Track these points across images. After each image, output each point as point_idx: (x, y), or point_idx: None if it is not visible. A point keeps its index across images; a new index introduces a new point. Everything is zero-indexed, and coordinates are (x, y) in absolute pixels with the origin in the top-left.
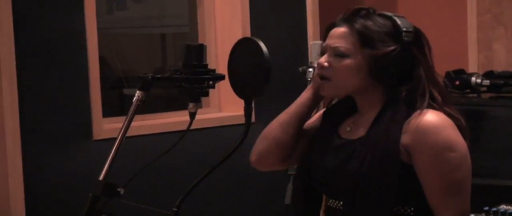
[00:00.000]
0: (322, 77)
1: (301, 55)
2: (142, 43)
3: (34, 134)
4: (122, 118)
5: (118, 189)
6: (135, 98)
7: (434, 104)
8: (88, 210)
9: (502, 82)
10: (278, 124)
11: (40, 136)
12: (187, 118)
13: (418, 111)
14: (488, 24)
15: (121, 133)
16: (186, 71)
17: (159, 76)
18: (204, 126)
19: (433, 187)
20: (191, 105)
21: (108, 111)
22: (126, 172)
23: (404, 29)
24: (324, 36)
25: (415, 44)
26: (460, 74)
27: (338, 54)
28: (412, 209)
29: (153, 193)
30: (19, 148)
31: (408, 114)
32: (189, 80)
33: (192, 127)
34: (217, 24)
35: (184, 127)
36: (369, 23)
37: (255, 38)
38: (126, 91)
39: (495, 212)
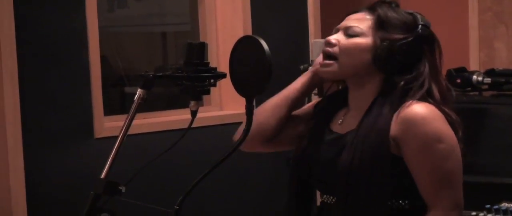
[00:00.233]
0: (327, 55)
1: (303, 54)
2: (143, 42)
3: (36, 132)
4: (123, 117)
5: (120, 187)
6: (136, 96)
7: (430, 100)
8: (90, 208)
9: (503, 80)
10: (267, 107)
11: (42, 134)
12: (188, 116)
13: (407, 103)
14: (489, 22)
15: (122, 132)
16: (187, 69)
17: (161, 74)
18: (205, 124)
19: (423, 179)
20: (192, 103)
21: (109, 110)
22: (127, 170)
23: (422, 23)
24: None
25: (426, 41)
26: (462, 72)
27: (350, 34)
28: (406, 202)
29: (155, 191)
30: (20, 146)
31: (398, 106)
32: (191, 78)
33: (193, 125)
34: (218, 23)
35: (185, 126)
36: (390, 11)
37: (256, 36)
38: (127, 89)
39: (497, 210)
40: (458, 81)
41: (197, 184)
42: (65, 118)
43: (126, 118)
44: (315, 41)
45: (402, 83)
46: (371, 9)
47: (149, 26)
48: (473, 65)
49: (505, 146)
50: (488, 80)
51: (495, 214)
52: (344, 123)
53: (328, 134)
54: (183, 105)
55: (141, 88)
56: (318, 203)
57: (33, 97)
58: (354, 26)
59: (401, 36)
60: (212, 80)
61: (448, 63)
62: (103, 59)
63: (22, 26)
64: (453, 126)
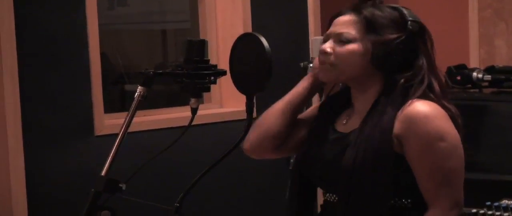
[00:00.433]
0: (324, 63)
1: (303, 51)
2: (143, 39)
3: (36, 130)
4: (123, 114)
5: (120, 185)
6: (136, 93)
7: (431, 95)
8: (90, 206)
9: (503, 77)
10: (272, 113)
11: (42, 132)
12: (188, 113)
13: (410, 101)
14: (489, 19)
15: (122, 129)
16: (187, 66)
17: (161, 71)
18: (205, 122)
19: (424, 177)
20: (192, 100)
21: (109, 107)
22: (128, 168)
23: (410, 19)
24: (328, 25)
25: (419, 35)
26: (462, 69)
27: (342, 40)
28: (409, 201)
29: (155, 189)
30: (20, 144)
31: (402, 103)
32: (191, 76)
33: (194, 122)
34: (218, 20)
35: (186, 123)
36: (376, 11)
37: (256, 34)
38: (127, 87)
39: (497, 207)
40: (458, 78)
41: (198, 181)
42: (66, 116)
43: (127, 116)
44: (315, 39)
45: (402, 81)
46: (355, 10)
47: (149, 24)
48: (473, 62)
49: (505, 143)
50: (488, 77)
51: (495, 211)
52: (348, 123)
53: (332, 134)
54: (184, 102)
55: (141, 85)
56: (321, 202)
57: (33, 95)
58: (345, 32)
59: (393, 36)
60: (212, 78)
61: (448, 60)
62: (103, 57)
63: (22, 24)
64: (454, 119)
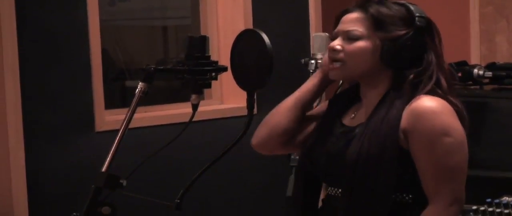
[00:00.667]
0: (334, 60)
1: (303, 47)
2: (144, 35)
3: (37, 126)
4: (124, 110)
5: (121, 181)
6: (137, 89)
7: (439, 90)
8: (91, 202)
9: (504, 73)
10: (281, 109)
11: (43, 128)
12: (189, 110)
13: (418, 96)
14: (490, 16)
15: (123, 125)
16: (188, 62)
17: (162, 67)
18: (206, 118)
19: (427, 172)
20: (193, 96)
21: (110, 103)
22: (128, 164)
23: (418, 14)
24: (335, 23)
25: (427, 31)
26: (463, 66)
27: (351, 38)
28: (410, 196)
29: (156, 185)
30: (21, 139)
31: (410, 99)
32: (192, 72)
33: (194, 119)
34: (219, 16)
35: (186, 119)
36: (383, 8)
37: (258, 30)
38: (128, 83)
39: (497, 204)
40: (459, 74)
41: (198, 177)
42: (66, 112)
43: (127, 112)
44: (316, 35)
45: (411, 76)
46: (362, 7)
47: (150, 20)
48: (474, 59)
49: (506, 140)
50: (489, 74)
51: (496, 208)
52: (356, 118)
53: (339, 128)
54: (184, 98)
55: (142, 81)
56: (323, 196)
57: (34, 91)
58: (353, 29)
59: (402, 32)
60: (213, 74)
61: (449, 57)
62: (104, 53)
63: (23, 20)
64: (460, 115)
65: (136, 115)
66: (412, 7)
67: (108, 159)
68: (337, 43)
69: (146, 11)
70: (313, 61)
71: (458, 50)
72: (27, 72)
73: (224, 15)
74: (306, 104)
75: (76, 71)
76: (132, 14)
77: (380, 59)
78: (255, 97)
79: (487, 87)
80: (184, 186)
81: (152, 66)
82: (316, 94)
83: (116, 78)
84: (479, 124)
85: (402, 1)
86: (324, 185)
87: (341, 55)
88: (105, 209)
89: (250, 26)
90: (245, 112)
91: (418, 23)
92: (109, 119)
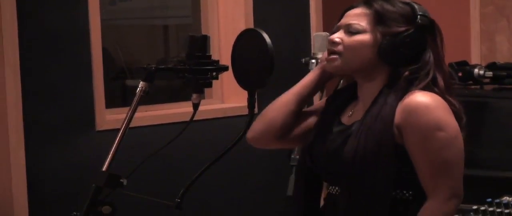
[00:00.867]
0: (332, 53)
1: (304, 47)
2: (144, 34)
3: (37, 124)
4: (125, 109)
5: (121, 180)
6: (138, 89)
7: (435, 88)
8: (91, 201)
9: (505, 73)
10: (278, 104)
11: (43, 126)
12: (190, 109)
13: (411, 91)
14: (491, 16)
15: (124, 124)
16: (189, 62)
17: (163, 67)
18: (207, 117)
19: (422, 167)
20: (194, 96)
21: (111, 102)
22: (129, 163)
23: (420, 13)
24: (339, 18)
25: (428, 30)
26: (463, 66)
27: (351, 31)
28: (410, 192)
29: (156, 184)
30: (22, 138)
31: (403, 95)
32: (193, 71)
33: (195, 118)
34: (220, 15)
35: (187, 118)
36: (387, 4)
37: (258, 29)
38: (129, 82)
39: (498, 204)
40: (460, 74)
41: (199, 176)
42: (67, 110)
43: (128, 111)
44: (316, 34)
45: (407, 73)
46: (367, 3)
47: (151, 19)
48: (474, 59)
49: (506, 140)
50: (489, 73)
51: (496, 207)
52: (353, 116)
53: (337, 126)
54: (185, 98)
55: (143, 81)
56: (324, 195)
57: (34, 90)
58: (355, 23)
59: (402, 29)
60: (214, 73)
61: (449, 56)
62: (105, 52)
63: (24, 19)
64: (457, 115)
65: (136, 114)
66: (416, 6)
67: (108, 158)
68: (336, 36)
69: (147, 10)
70: (313, 61)
71: (458, 50)
72: (27, 71)
73: (225, 15)
74: (304, 99)
75: (77, 70)
76: (132, 13)
77: (378, 53)
78: (256, 96)
79: (488, 87)
80: (185, 186)
81: (153, 65)
82: (313, 89)
83: (117, 77)
84: (479, 124)
85: (408, 0)
86: (325, 184)
87: (340, 47)
88: (106, 208)
89: (251, 26)
90: (246, 112)
91: (419, 21)
92: (109, 118)
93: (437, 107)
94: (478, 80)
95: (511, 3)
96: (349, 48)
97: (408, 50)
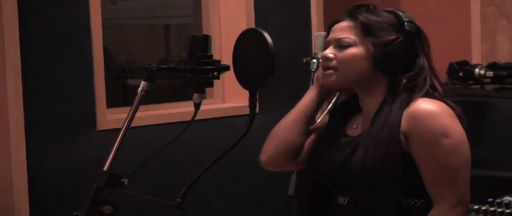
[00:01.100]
0: (327, 68)
1: (305, 46)
2: (145, 34)
3: (38, 124)
4: (126, 109)
5: (122, 180)
6: (140, 88)
7: (435, 93)
8: (92, 201)
9: (505, 73)
10: (286, 123)
11: (44, 126)
12: (191, 108)
13: (415, 99)
14: (491, 15)
15: (125, 124)
16: (191, 61)
17: (164, 66)
18: (208, 117)
19: (429, 174)
20: (195, 96)
21: (111, 102)
22: (130, 163)
23: (406, 20)
24: (326, 33)
25: (416, 36)
26: (464, 66)
27: (342, 45)
28: (422, 201)
29: (157, 184)
30: (23, 138)
31: (408, 103)
32: (194, 71)
33: (196, 117)
34: (221, 15)
35: (189, 118)
36: (372, 15)
37: (260, 29)
38: (130, 81)
39: (499, 204)
40: (461, 74)
41: (200, 176)
42: (68, 110)
43: (130, 111)
44: (317, 34)
45: (404, 81)
46: (351, 16)
47: (152, 19)
48: (475, 59)
49: (507, 140)
50: (490, 73)
51: (498, 207)
52: (358, 127)
53: (342, 138)
54: (186, 97)
55: (144, 80)
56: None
57: (36, 89)
58: (344, 37)
59: (392, 37)
60: (215, 73)
61: (450, 56)
62: (106, 51)
63: (26, 18)
64: (460, 118)
65: (138, 114)
66: (400, 13)
67: (110, 158)
68: (329, 52)
69: (148, 9)
70: (314, 60)
71: (459, 49)
72: (29, 71)
73: (226, 14)
74: (309, 117)
75: (78, 69)
76: (134, 12)
77: (373, 64)
78: (257, 96)
79: (488, 87)
80: (186, 185)
81: (155, 65)
82: (316, 106)
83: (118, 77)
84: (480, 124)
85: (390, 9)
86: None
87: (334, 62)
88: (107, 208)
89: (252, 25)
90: (247, 111)
91: (407, 28)
92: (110, 118)
93: (443, 114)
94: (479, 80)
95: (511, 2)
96: (343, 62)
97: (401, 58)
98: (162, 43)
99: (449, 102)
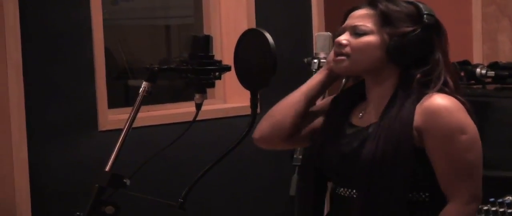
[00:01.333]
0: (339, 54)
1: (306, 46)
2: (146, 34)
3: (40, 124)
4: (127, 109)
5: (124, 180)
6: (141, 89)
7: (446, 89)
8: (94, 201)
9: (507, 73)
10: (286, 104)
11: (46, 126)
12: (192, 109)
13: (429, 94)
14: (492, 15)
15: (127, 124)
16: (192, 62)
17: (166, 67)
18: (209, 117)
19: (444, 170)
20: (197, 96)
21: (112, 102)
22: (131, 163)
23: (426, 12)
24: (343, 19)
25: (434, 30)
26: (465, 65)
27: (358, 33)
28: (427, 194)
29: (159, 184)
30: (24, 138)
31: (420, 97)
32: (195, 71)
33: (198, 118)
34: (222, 15)
35: (190, 118)
36: (392, 5)
37: (261, 29)
38: (131, 82)
39: (501, 203)
40: (462, 74)
41: (202, 176)
42: (69, 110)
43: (131, 111)
44: (318, 34)
45: (419, 75)
46: (371, 4)
47: (153, 19)
48: (476, 58)
49: (509, 140)
50: (491, 73)
51: (499, 207)
52: (364, 117)
53: (349, 128)
54: (188, 97)
55: (146, 81)
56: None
57: (37, 90)
58: (361, 24)
59: (409, 29)
60: (217, 73)
61: (451, 56)
62: (107, 52)
63: (27, 19)
64: (471, 115)
65: (139, 114)
66: (421, 5)
67: (111, 158)
68: (343, 38)
69: (149, 10)
70: (316, 61)
71: (460, 49)
72: (30, 71)
73: (227, 14)
74: (311, 99)
75: (79, 70)
76: (134, 13)
77: (386, 54)
78: (259, 96)
79: (490, 87)
80: (188, 186)
81: (156, 66)
82: (321, 90)
83: (119, 77)
84: (481, 123)
85: (413, 0)
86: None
87: (347, 49)
88: (109, 209)
89: (253, 26)
90: (248, 111)
91: (426, 20)
92: (112, 118)
93: (459, 110)
94: (480, 79)
95: None
96: (357, 49)
97: (416, 51)
98: (163, 43)
99: (459, 97)
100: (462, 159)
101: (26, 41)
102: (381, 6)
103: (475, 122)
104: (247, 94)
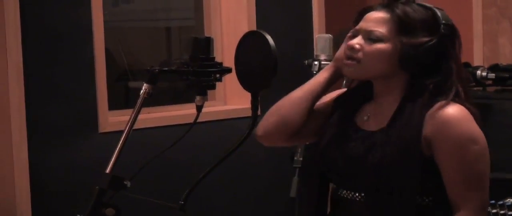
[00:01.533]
0: (350, 58)
1: (307, 48)
2: (147, 36)
3: (40, 126)
4: (127, 111)
5: (125, 182)
6: (142, 91)
7: (456, 99)
8: (94, 203)
9: (507, 75)
10: (290, 101)
11: (46, 128)
12: (193, 111)
13: (439, 103)
14: (493, 17)
15: (128, 126)
16: (193, 64)
17: (166, 69)
18: (209, 119)
19: (454, 180)
20: (198, 98)
21: (113, 104)
22: (132, 165)
23: (444, 21)
24: (356, 19)
25: (450, 39)
26: (466, 68)
27: (372, 38)
28: (430, 198)
29: (160, 186)
30: (25, 140)
31: (430, 106)
32: (196, 73)
33: (198, 120)
34: (223, 17)
35: (191, 120)
36: (410, 10)
37: (262, 31)
38: (131, 84)
39: (502, 205)
40: None
41: (203, 178)
42: (70, 112)
43: (132, 113)
44: (319, 36)
45: (431, 86)
46: (388, 7)
47: (154, 21)
48: (476, 60)
49: (510, 142)
50: (492, 75)
51: (500, 209)
52: (371, 120)
53: (355, 130)
54: (188, 99)
55: (146, 83)
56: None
57: (37, 91)
58: (376, 30)
59: (425, 39)
60: (217, 75)
61: None
62: (107, 54)
63: (28, 20)
64: (479, 124)
65: (140, 116)
66: (439, 13)
67: (112, 160)
68: (356, 42)
69: (149, 12)
70: (316, 62)
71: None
72: (31, 72)
73: (227, 16)
74: (316, 97)
75: (79, 71)
76: (135, 15)
77: (399, 63)
78: (259, 98)
79: (490, 89)
80: (188, 188)
81: (157, 67)
82: (326, 87)
83: (119, 79)
84: (482, 126)
85: (430, 5)
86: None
87: (359, 54)
88: (109, 211)
89: (254, 28)
90: (249, 113)
91: (442, 31)
92: (112, 120)
93: (469, 120)
94: (481, 81)
95: None
96: (369, 56)
97: (429, 61)
98: (164, 45)
99: (469, 106)
100: (472, 169)
101: (27, 42)
102: (398, 11)
103: (480, 128)
104: (247, 96)
